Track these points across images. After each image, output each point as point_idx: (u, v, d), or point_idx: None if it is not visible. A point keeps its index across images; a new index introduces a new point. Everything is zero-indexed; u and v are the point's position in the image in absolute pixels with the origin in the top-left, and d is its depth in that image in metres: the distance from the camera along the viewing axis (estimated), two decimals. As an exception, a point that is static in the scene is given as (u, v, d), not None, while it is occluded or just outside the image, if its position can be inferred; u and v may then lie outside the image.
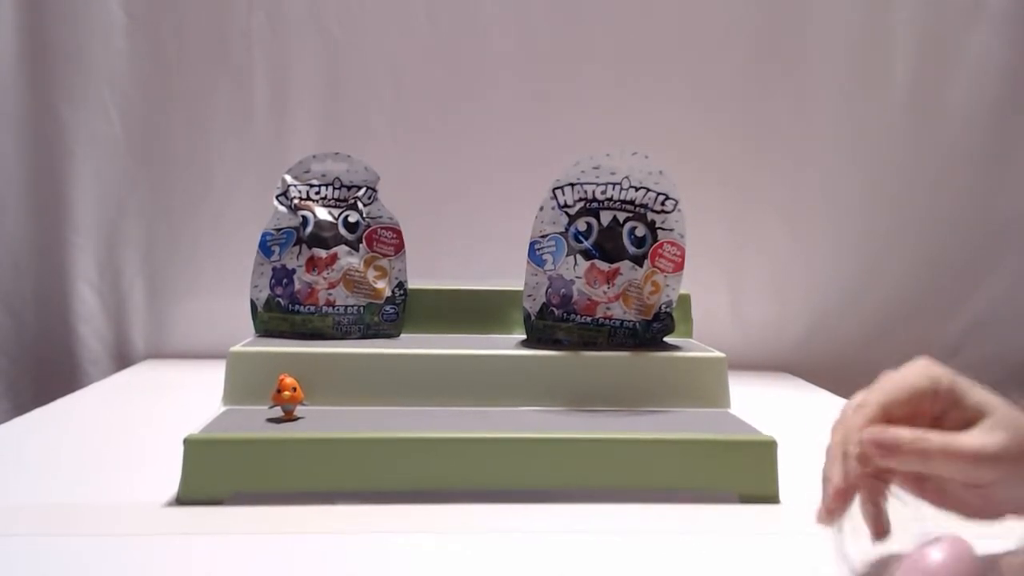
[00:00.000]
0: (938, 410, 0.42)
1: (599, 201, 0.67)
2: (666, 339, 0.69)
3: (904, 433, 0.40)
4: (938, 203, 1.08)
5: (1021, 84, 1.07)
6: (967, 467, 0.40)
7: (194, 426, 0.55)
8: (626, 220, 0.67)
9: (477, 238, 1.05)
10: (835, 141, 1.07)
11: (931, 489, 0.43)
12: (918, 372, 0.42)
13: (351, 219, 0.72)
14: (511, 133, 1.05)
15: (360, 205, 0.72)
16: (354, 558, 0.45)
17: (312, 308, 0.70)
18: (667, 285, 0.67)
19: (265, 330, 0.70)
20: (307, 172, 0.73)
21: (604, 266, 0.67)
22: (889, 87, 1.06)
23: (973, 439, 0.40)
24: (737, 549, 0.47)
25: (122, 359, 1.06)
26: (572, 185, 0.67)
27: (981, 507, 0.42)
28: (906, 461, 0.40)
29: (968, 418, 0.41)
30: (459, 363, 0.64)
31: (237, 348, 0.64)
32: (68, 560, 0.44)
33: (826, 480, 0.41)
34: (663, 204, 0.67)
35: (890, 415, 0.41)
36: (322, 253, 0.70)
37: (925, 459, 0.39)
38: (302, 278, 0.70)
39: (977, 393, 0.42)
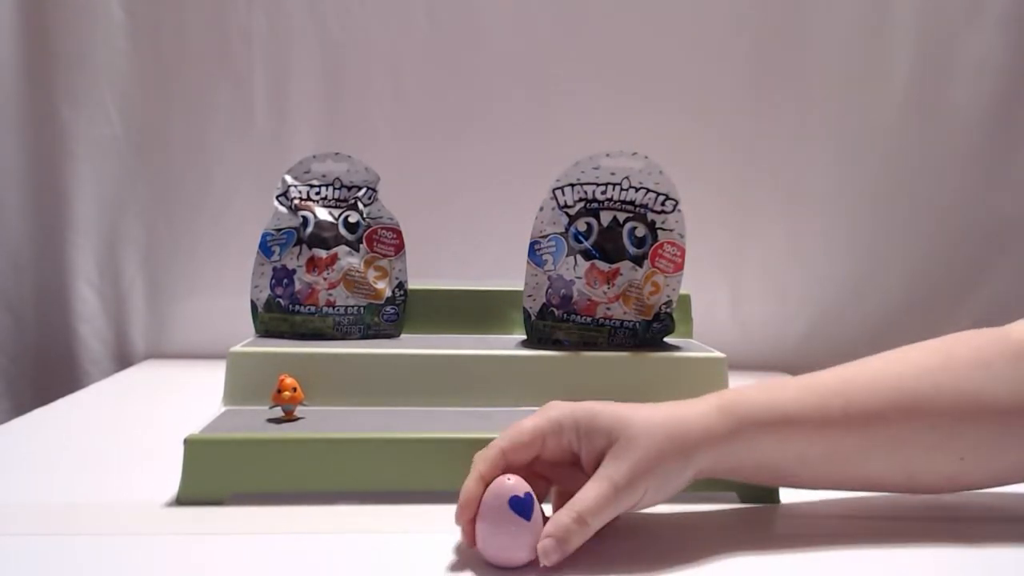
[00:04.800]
0: (576, 445, 0.46)
1: (599, 201, 0.67)
2: (666, 339, 0.69)
3: (546, 542, 0.42)
4: (938, 203, 1.08)
5: (1021, 84, 1.06)
6: (605, 517, 0.44)
7: (194, 426, 0.55)
8: (626, 220, 0.67)
9: (477, 238, 1.05)
10: (835, 141, 1.07)
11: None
12: (540, 415, 0.46)
13: (351, 219, 0.72)
14: (511, 133, 1.05)
15: (360, 205, 0.72)
16: (354, 558, 0.45)
17: (312, 308, 0.70)
18: (667, 285, 0.67)
19: (265, 330, 0.70)
20: (307, 172, 0.73)
21: (604, 266, 0.67)
22: (889, 87, 1.06)
23: (587, 498, 0.43)
24: (737, 549, 0.47)
25: (122, 359, 1.06)
26: (572, 185, 0.67)
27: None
28: (574, 547, 0.43)
29: (605, 447, 0.45)
30: (459, 363, 0.64)
31: (237, 348, 0.64)
32: (68, 560, 0.44)
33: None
34: (663, 204, 0.67)
35: (511, 460, 0.45)
36: (322, 253, 0.70)
37: (579, 537, 0.43)
38: (302, 278, 0.70)
39: (606, 416, 0.45)
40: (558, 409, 0.46)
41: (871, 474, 0.49)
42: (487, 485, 0.44)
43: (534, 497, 0.44)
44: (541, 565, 0.42)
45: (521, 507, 0.43)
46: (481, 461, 0.45)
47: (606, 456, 0.44)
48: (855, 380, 0.49)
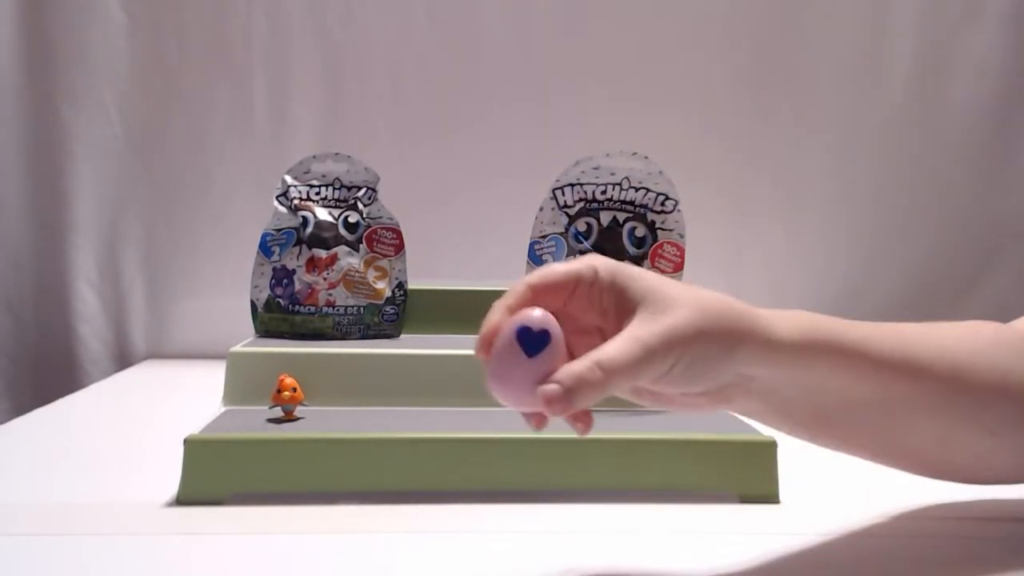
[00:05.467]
0: (608, 302, 0.40)
1: (599, 201, 0.67)
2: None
3: (550, 386, 0.36)
4: (938, 203, 1.08)
5: (1021, 84, 1.06)
6: (625, 377, 0.37)
7: (194, 426, 0.55)
8: (626, 220, 0.67)
9: (477, 238, 1.05)
10: (835, 141, 1.07)
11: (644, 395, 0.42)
12: (580, 261, 0.41)
13: (351, 219, 0.72)
14: (511, 134, 1.05)
15: (360, 205, 0.72)
16: (354, 558, 0.45)
17: (312, 309, 0.70)
18: (667, 285, 0.67)
19: (265, 330, 0.70)
20: (307, 172, 0.73)
21: (604, 266, 0.67)
22: (889, 87, 1.06)
23: (609, 349, 0.37)
24: (737, 549, 0.47)
25: (122, 359, 1.06)
26: (572, 186, 0.67)
27: (701, 401, 0.41)
28: (583, 401, 0.36)
29: (631, 311, 0.39)
30: (459, 363, 0.64)
31: (237, 348, 0.64)
32: (68, 560, 0.44)
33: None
34: (663, 204, 0.67)
35: (540, 298, 0.40)
36: (322, 253, 0.70)
37: (590, 391, 0.36)
38: (302, 278, 0.70)
39: (651, 279, 0.40)
40: (600, 259, 0.41)
41: (908, 435, 0.46)
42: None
43: (552, 338, 0.38)
44: (543, 410, 0.37)
45: (529, 341, 0.38)
46: (509, 294, 0.41)
47: (637, 314, 0.39)
48: (904, 331, 0.46)
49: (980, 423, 0.46)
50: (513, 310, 0.40)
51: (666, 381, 0.39)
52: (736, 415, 0.63)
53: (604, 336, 0.39)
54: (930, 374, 0.44)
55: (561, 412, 0.37)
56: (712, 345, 0.39)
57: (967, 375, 0.45)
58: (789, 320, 0.42)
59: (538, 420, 0.40)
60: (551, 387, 0.36)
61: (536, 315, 0.39)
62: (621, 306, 0.39)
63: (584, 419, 0.40)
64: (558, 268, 0.40)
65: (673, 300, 0.39)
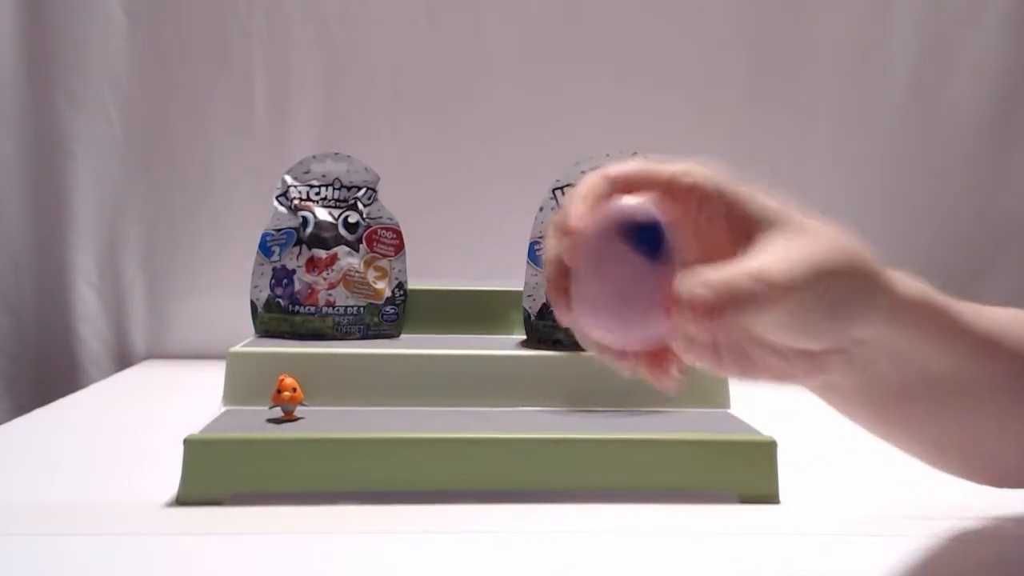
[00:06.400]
0: (707, 216, 0.33)
1: (599, 201, 0.67)
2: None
3: (700, 290, 0.28)
4: (938, 203, 1.08)
5: (1021, 84, 1.06)
6: (781, 303, 0.30)
7: (194, 426, 0.55)
8: (626, 220, 0.67)
9: (477, 238, 1.05)
10: (835, 141, 1.07)
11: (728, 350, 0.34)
12: (684, 163, 0.33)
13: (351, 219, 0.72)
14: (511, 133, 1.05)
15: (360, 205, 0.72)
16: (354, 558, 0.45)
17: (312, 309, 0.70)
18: (667, 285, 0.67)
19: (265, 331, 0.70)
20: (307, 172, 0.73)
21: (604, 266, 0.67)
22: (889, 88, 1.06)
23: (768, 259, 0.30)
24: (737, 549, 0.47)
25: (122, 359, 1.06)
26: (572, 186, 0.67)
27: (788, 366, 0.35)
28: (733, 317, 0.29)
29: (743, 229, 0.32)
30: (459, 363, 0.64)
31: (237, 348, 0.64)
32: (68, 560, 0.44)
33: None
34: (663, 204, 0.67)
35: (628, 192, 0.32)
36: (322, 254, 0.70)
37: (750, 305, 0.29)
38: (302, 278, 0.70)
39: (763, 198, 0.34)
40: (694, 164, 0.34)
41: (977, 422, 0.43)
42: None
43: (668, 234, 0.28)
44: (664, 332, 0.28)
45: (645, 237, 0.28)
46: (581, 189, 0.32)
47: (767, 235, 0.32)
48: (995, 311, 0.43)
49: None
50: (591, 200, 0.30)
51: (800, 324, 0.32)
52: (738, 416, 0.63)
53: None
54: (998, 350, 0.41)
55: (701, 329, 0.28)
56: (859, 285, 0.34)
57: None
58: (907, 278, 0.37)
59: (645, 361, 0.32)
60: (700, 290, 0.28)
61: (646, 205, 0.28)
62: (735, 223, 0.32)
63: (676, 370, 0.33)
64: (646, 162, 0.33)
65: (814, 228, 0.33)
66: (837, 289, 0.32)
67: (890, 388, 0.40)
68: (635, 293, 0.27)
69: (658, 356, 0.32)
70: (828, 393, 0.42)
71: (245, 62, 1.02)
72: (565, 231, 0.30)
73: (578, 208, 0.30)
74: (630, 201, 0.28)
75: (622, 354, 0.32)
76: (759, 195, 0.34)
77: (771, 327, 0.32)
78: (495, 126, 1.05)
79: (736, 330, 0.33)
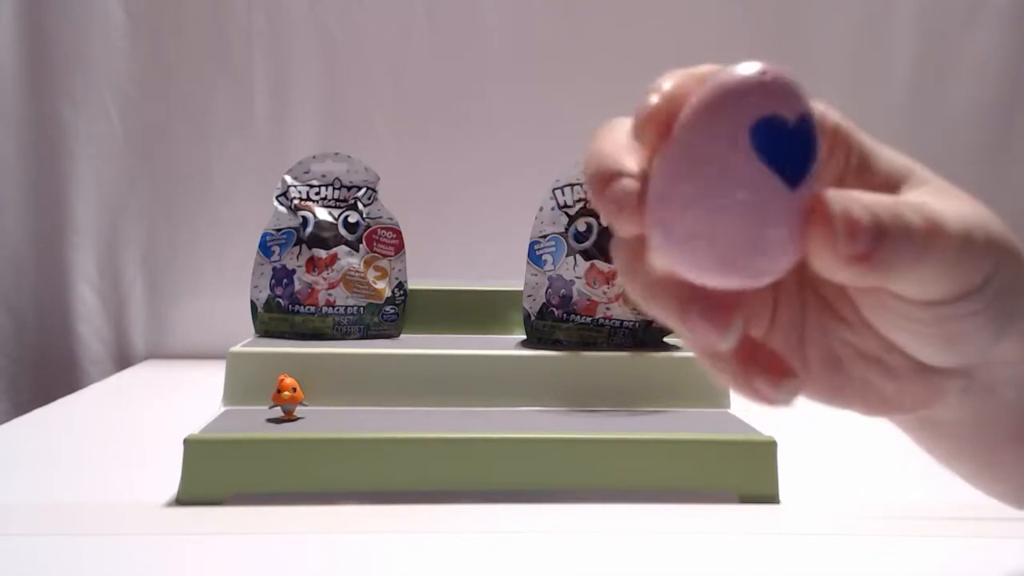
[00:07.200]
0: (843, 159, 0.27)
1: (599, 201, 0.67)
2: (666, 339, 0.69)
3: (857, 212, 0.21)
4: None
5: (1021, 84, 1.06)
6: (953, 248, 0.24)
7: (194, 426, 0.55)
8: (626, 220, 0.67)
9: (477, 238, 1.05)
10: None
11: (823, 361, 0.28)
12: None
13: (351, 219, 0.72)
14: (511, 133, 1.05)
15: (360, 205, 0.72)
16: (354, 558, 0.45)
17: (312, 308, 0.70)
18: (667, 285, 0.67)
19: (265, 331, 0.70)
20: (307, 172, 0.73)
21: (604, 266, 0.67)
22: (889, 87, 1.06)
23: (932, 201, 0.24)
24: (737, 549, 0.47)
25: (122, 359, 1.06)
26: (572, 185, 0.67)
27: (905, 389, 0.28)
28: (893, 258, 0.22)
29: (874, 184, 0.26)
30: (459, 363, 0.64)
31: (237, 348, 0.64)
32: (68, 560, 0.44)
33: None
34: (663, 204, 0.67)
35: None
36: (322, 253, 0.70)
37: (907, 247, 0.23)
38: (302, 278, 0.70)
39: (889, 151, 0.28)
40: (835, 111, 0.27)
41: None
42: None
43: (817, 148, 0.21)
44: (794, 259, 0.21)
45: (781, 142, 0.21)
46: (670, 80, 0.24)
47: (916, 191, 0.27)
48: None
49: None
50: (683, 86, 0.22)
51: (950, 318, 0.25)
52: (738, 416, 0.63)
53: None
54: None
55: (853, 273, 0.22)
56: (1010, 260, 0.26)
57: None
58: None
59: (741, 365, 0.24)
60: (859, 211, 0.21)
61: (798, 92, 0.20)
62: (862, 179, 0.26)
63: (784, 373, 0.24)
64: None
65: (958, 193, 0.27)
66: (1006, 273, 0.25)
67: (1010, 421, 0.31)
68: (776, 214, 0.19)
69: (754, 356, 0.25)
70: (924, 427, 0.32)
71: (245, 62, 1.02)
72: (651, 123, 0.22)
73: (670, 91, 0.23)
74: (776, 78, 0.19)
75: (716, 314, 0.22)
76: (887, 149, 0.28)
77: (908, 319, 0.25)
78: (495, 126, 1.05)
79: (870, 302, 0.25)
